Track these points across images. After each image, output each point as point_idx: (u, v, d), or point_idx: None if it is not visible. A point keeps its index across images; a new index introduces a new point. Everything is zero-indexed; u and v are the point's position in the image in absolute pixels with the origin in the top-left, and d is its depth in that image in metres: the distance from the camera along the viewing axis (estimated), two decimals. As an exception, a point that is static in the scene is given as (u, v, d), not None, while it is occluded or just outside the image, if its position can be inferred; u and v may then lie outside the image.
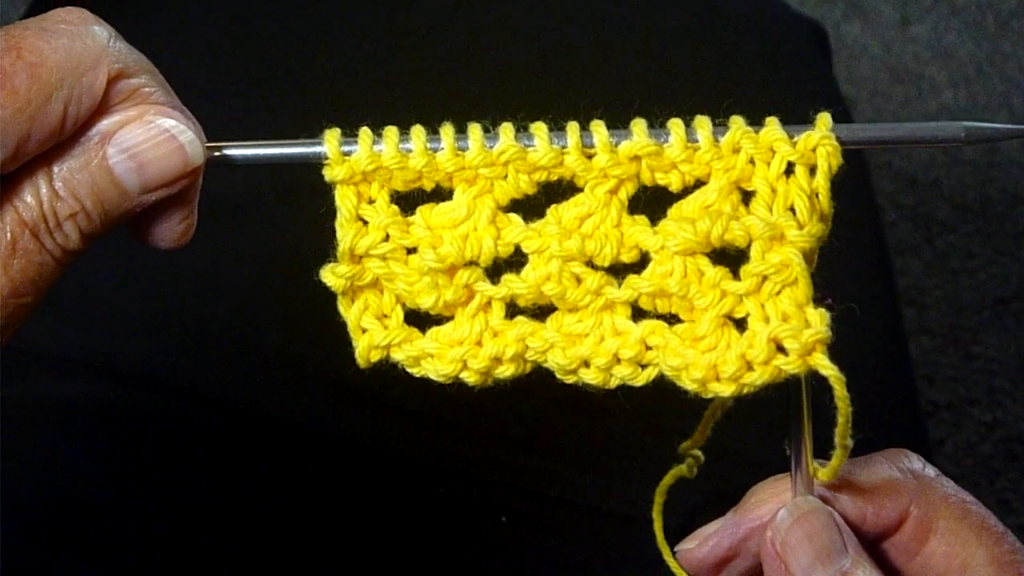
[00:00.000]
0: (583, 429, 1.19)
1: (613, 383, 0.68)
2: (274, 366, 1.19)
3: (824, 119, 0.66)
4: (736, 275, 0.67)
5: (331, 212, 0.69)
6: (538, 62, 1.37)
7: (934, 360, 2.26)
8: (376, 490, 1.15)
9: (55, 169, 0.62)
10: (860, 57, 2.53)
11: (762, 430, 1.05)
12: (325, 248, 0.70)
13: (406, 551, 1.12)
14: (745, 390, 0.66)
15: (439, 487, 1.15)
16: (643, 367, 0.68)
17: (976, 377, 2.24)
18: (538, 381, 1.15)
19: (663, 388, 1.13)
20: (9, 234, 0.61)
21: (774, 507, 0.69)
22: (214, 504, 1.12)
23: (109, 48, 0.62)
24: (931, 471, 0.70)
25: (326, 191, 0.70)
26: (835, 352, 0.66)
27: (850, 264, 0.68)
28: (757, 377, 0.65)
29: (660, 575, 0.85)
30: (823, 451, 0.70)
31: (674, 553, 0.82)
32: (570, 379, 0.69)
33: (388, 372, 1.14)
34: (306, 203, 1.21)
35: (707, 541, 0.72)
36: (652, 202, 0.68)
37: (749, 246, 0.66)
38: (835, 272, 0.67)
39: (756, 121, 0.68)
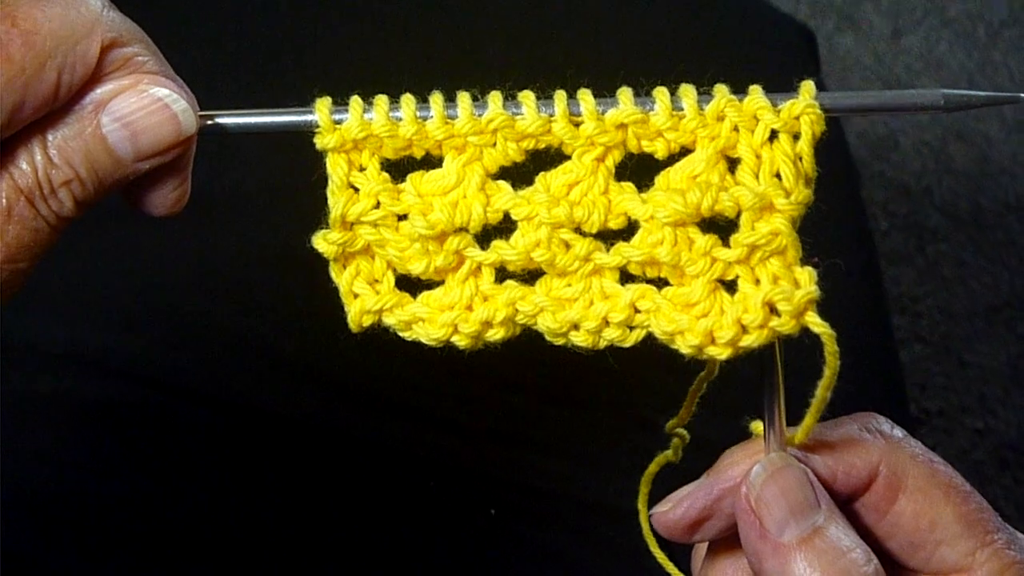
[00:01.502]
0: (571, 423, 1.20)
1: (602, 345, 0.69)
2: (265, 361, 1.20)
3: (808, 87, 0.67)
4: (724, 239, 0.68)
5: (316, 198, 0.70)
6: (522, 61, 1.39)
7: (926, 368, 2.26)
8: (366, 483, 1.15)
9: (49, 137, 0.63)
10: (852, 69, 2.54)
11: (743, 421, 1.06)
12: (308, 240, 0.70)
13: (397, 543, 1.12)
14: (740, 352, 0.67)
15: (429, 480, 1.16)
16: (631, 328, 0.69)
17: (968, 385, 2.24)
18: (524, 375, 1.16)
19: (645, 380, 1.14)
20: (4, 200, 0.62)
21: (747, 468, 0.70)
22: (205, 497, 1.12)
23: (103, 17, 0.63)
24: (899, 432, 0.72)
25: (317, 182, 0.70)
26: (800, 348, 0.68)
27: (839, 271, 0.69)
28: (753, 340, 0.67)
29: (648, 565, 0.85)
30: (796, 416, 0.71)
31: (662, 544, 0.82)
32: (559, 341, 0.69)
33: (376, 366, 1.15)
34: (297, 197, 1.22)
35: (681, 503, 0.72)
36: (638, 168, 0.69)
37: (738, 214, 0.67)
38: (824, 279, 0.68)
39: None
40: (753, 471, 0.69)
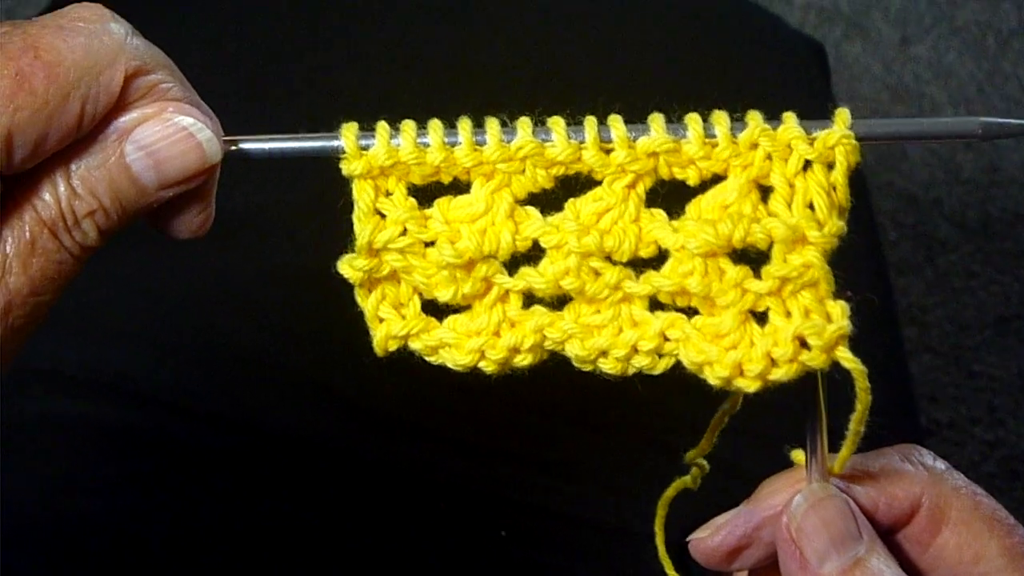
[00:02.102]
0: (584, 444, 1.19)
1: (631, 372, 0.68)
2: (277, 383, 1.19)
3: (843, 115, 0.66)
4: (756, 270, 0.67)
5: (332, 219, 0.69)
6: (539, 76, 1.38)
7: (936, 379, 2.26)
8: (377, 504, 1.14)
9: (73, 167, 0.62)
10: (860, 77, 2.54)
11: (763, 445, 1.05)
12: (327, 262, 0.69)
13: (407, 565, 1.11)
14: (769, 385, 0.66)
15: (439, 501, 1.15)
16: (660, 356, 0.68)
17: (978, 396, 2.24)
18: (539, 395, 1.16)
19: (663, 404, 1.14)
20: (28, 233, 0.61)
21: (787, 496, 0.70)
22: (215, 521, 1.12)
23: (127, 45, 0.62)
24: (941, 464, 0.71)
25: (331, 203, 0.69)
26: (837, 375, 0.67)
27: (848, 283, 0.68)
28: (783, 374, 0.66)
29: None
30: (830, 448, 0.70)
31: (678, 567, 0.81)
32: (587, 368, 0.69)
33: (389, 387, 1.15)
34: (308, 218, 1.21)
35: (720, 530, 0.72)
36: (669, 194, 0.68)
37: (770, 246, 0.66)
38: (834, 291, 0.67)
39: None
40: (795, 501, 0.68)
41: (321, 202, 0.69)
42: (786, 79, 1.48)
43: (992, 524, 0.68)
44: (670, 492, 0.86)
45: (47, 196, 0.62)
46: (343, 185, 0.69)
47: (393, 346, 0.69)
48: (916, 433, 1.46)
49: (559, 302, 0.69)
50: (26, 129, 0.59)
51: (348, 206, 0.69)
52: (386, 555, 1.11)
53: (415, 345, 0.69)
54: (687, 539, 0.74)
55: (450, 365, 0.69)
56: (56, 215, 0.62)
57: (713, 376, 0.67)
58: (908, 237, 2.38)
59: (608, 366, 0.68)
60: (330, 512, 1.13)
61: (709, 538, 0.72)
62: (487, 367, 0.69)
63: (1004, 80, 2.53)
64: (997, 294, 2.33)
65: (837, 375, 0.67)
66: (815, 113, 0.68)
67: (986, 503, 0.69)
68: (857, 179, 1.54)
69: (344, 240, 0.69)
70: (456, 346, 0.68)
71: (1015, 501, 2.15)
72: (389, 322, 0.69)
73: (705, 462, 0.85)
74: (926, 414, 2.21)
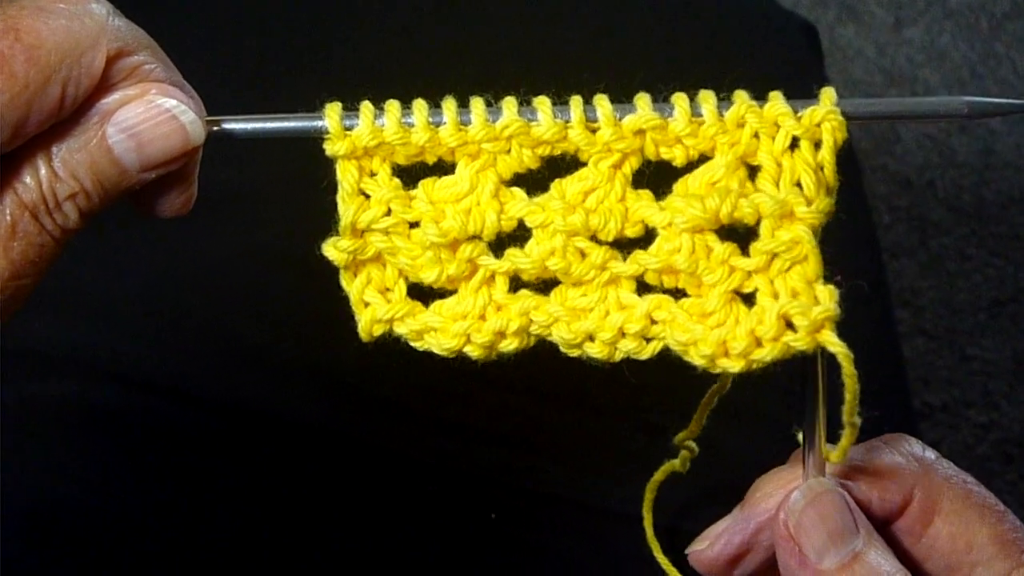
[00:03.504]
0: (573, 426, 1.19)
1: (618, 356, 0.68)
2: (264, 364, 1.19)
3: (828, 93, 0.66)
4: (744, 250, 0.66)
5: (321, 199, 0.69)
6: (527, 58, 1.37)
7: (930, 362, 2.25)
8: (366, 487, 1.14)
9: (54, 149, 0.62)
10: (854, 60, 2.53)
11: (749, 426, 1.05)
12: (313, 243, 0.69)
13: (395, 548, 1.11)
14: (754, 366, 0.66)
15: (428, 484, 1.15)
16: (648, 340, 0.67)
17: (972, 379, 2.24)
18: (527, 377, 1.15)
19: (652, 385, 1.13)
20: (9, 216, 0.61)
21: (781, 499, 0.69)
22: (205, 501, 1.11)
23: (108, 26, 0.61)
24: (931, 454, 0.71)
25: (316, 180, 0.69)
26: (827, 356, 0.66)
27: (841, 265, 0.68)
28: (766, 353, 0.65)
29: (650, 570, 0.84)
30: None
31: (667, 549, 0.81)
32: (574, 352, 0.68)
33: (378, 368, 1.14)
34: (293, 198, 1.20)
35: (718, 540, 0.72)
36: (655, 176, 0.68)
37: (757, 223, 0.66)
38: (826, 273, 0.67)
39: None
40: (792, 497, 0.68)
41: (310, 180, 0.69)
42: (779, 60, 1.47)
43: (983, 512, 0.68)
44: (659, 476, 0.86)
45: (28, 179, 0.61)
46: (328, 164, 0.68)
47: (378, 330, 0.69)
48: (909, 417, 1.45)
49: (546, 287, 0.69)
50: (6, 113, 0.58)
51: (332, 186, 0.68)
52: (376, 537, 1.11)
53: (400, 329, 0.68)
54: (686, 551, 0.74)
55: (435, 350, 0.68)
56: (37, 198, 0.61)
57: (697, 355, 0.66)
58: (902, 220, 2.37)
59: (595, 350, 0.68)
60: (318, 494, 1.13)
61: (708, 549, 0.72)
62: (473, 351, 0.68)
63: (997, 63, 2.53)
64: (991, 277, 2.33)
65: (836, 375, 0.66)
66: (808, 94, 0.68)
67: (976, 492, 0.69)
68: (850, 162, 1.55)
69: (329, 220, 0.68)
70: (442, 330, 0.68)
71: (1008, 484, 2.15)
72: (374, 306, 0.68)
73: (694, 444, 0.85)
74: (919, 397, 2.20)
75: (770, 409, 1.09)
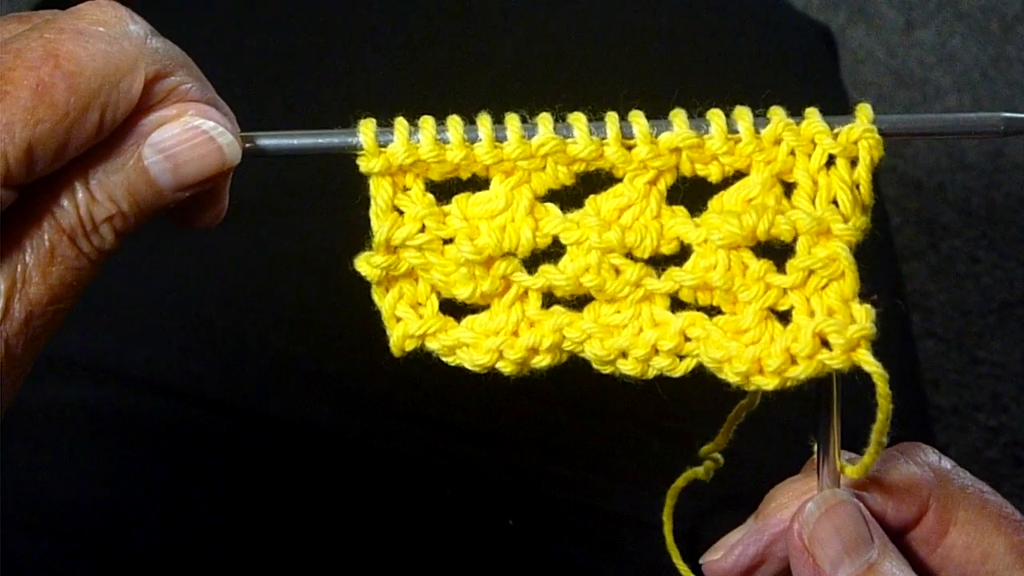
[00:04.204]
0: (591, 432, 1.19)
1: (651, 374, 0.68)
2: (280, 369, 1.18)
3: (864, 110, 0.66)
4: (779, 267, 0.66)
5: (342, 207, 0.68)
6: (543, 64, 1.37)
7: (939, 365, 2.25)
8: (383, 492, 1.14)
9: (91, 172, 0.61)
10: (864, 61, 2.53)
11: (769, 434, 1.05)
12: (334, 250, 0.69)
13: (413, 553, 1.11)
14: (788, 383, 0.66)
15: (446, 489, 1.15)
16: (681, 358, 0.67)
17: (981, 382, 2.24)
18: (545, 383, 1.15)
19: (672, 392, 1.13)
20: (48, 242, 0.61)
21: (795, 510, 0.69)
22: (219, 507, 1.12)
23: (146, 49, 0.61)
24: (947, 463, 0.71)
25: (337, 188, 0.69)
26: (849, 374, 0.66)
27: (859, 269, 0.68)
28: (801, 372, 0.65)
29: (668, 578, 0.85)
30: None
31: (685, 556, 0.81)
32: (607, 369, 0.68)
33: (395, 374, 1.14)
34: (313, 204, 1.20)
35: (732, 550, 0.71)
36: (690, 191, 0.68)
37: (794, 240, 0.66)
38: (863, 291, 0.66)
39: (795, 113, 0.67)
40: (807, 508, 0.68)
41: (331, 188, 0.69)
42: (795, 63, 1.47)
43: (999, 522, 0.68)
44: (680, 482, 0.86)
45: (65, 203, 0.61)
46: (352, 173, 0.68)
47: (410, 346, 0.68)
48: (925, 422, 1.45)
49: (579, 303, 0.69)
50: (47, 141, 0.58)
51: (353, 191, 0.68)
52: (391, 542, 1.11)
53: (432, 345, 0.68)
54: (700, 561, 0.74)
55: (468, 365, 0.68)
56: (75, 222, 0.61)
57: (732, 372, 0.66)
58: (912, 223, 2.37)
59: (628, 367, 0.68)
60: (334, 500, 1.13)
61: (722, 560, 0.71)
62: (505, 367, 0.68)
63: (1008, 65, 2.52)
64: (1001, 280, 2.33)
65: (858, 378, 0.66)
66: (826, 96, 0.68)
67: (993, 501, 0.69)
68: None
69: (351, 227, 0.68)
70: (474, 346, 0.68)
71: (1018, 488, 2.15)
72: (406, 321, 0.68)
73: (720, 456, 0.85)
74: (930, 400, 2.20)
75: (791, 418, 1.09)
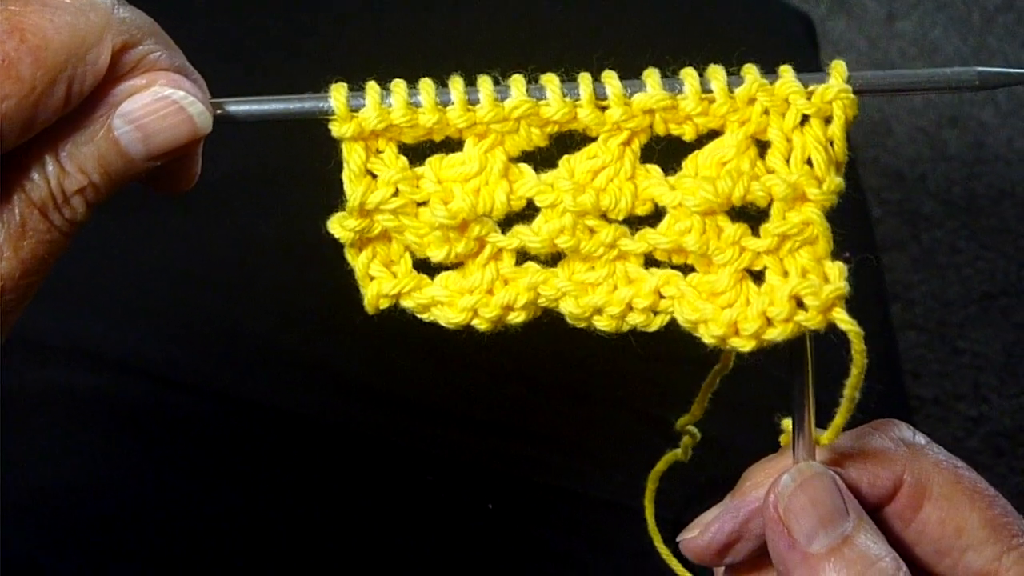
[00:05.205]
0: (571, 416, 1.19)
1: (625, 328, 0.67)
2: (262, 354, 1.18)
3: (839, 68, 0.66)
4: (753, 227, 0.66)
5: (323, 188, 0.68)
6: (520, 42, 1.37)
7: (920, 355, 2.26)
8: (363, 476, 1.14)
9: (60, 144, 0.61)
10: (846, 53, 2.53)
11: (750, 419, 1.04)
12: (316, 233, 0.68)
13: (393, 537, 1.11)
14: (764, 345, 0.65)
15: (426, 473, 1.14)
16: (656, 313, 0.67)
17: (962, 372, 2.24)
18: (527, 367, 1.15)
19: (651, 375, 1.13)
20: (18, 216, 0.60)
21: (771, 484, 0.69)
22: (199, 490, 1.11)
23: (113, 18, 0.60)
24: (921, 439, 0.71)
25: (318, 168, 0.68)
26: (824, 350, 0.66)
27: (833, 232, 0.67)
28: (778, 334, 0.65)
29: (649, 563, 0.84)
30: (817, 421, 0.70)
31: (668, 542, 0.81)
32: (582, 324, 0.67)
33: (377, 359, 1.14)
34: (295, 183, 1.20)
35: (708, 528, 0.71)
36: (664, 149, 0.68)
37: (768, 204, 0.66)
38: (834, 250, 0.66)
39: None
40: (782, 480, 0.68)
41: (311, 169, 0.68)
42: (775, 51, 1.47)
43: (973, 496, 0.68)
44: (660, 466, 0.86)
45: (36, 176, 0.60)
46: (330, 145, 0.67)
47: (384, 304, 0.68)
48: (904, 411, 1.46)
49: (553, 259, 0.68)
50: (13, 116, 0.57)
51: (337, 166, 0.67)
52: (374, 526, 1.11)
53: (407, 303, 0.68)
54: (677, 539, 0.74)
55: (442, 323, 0.67)
56: (46, 195, 0.61)
57: (708, 335, 0.66)
58: (893, 214, 2.38)
59: (603, 324, 0.67)
60: (315, 484, 1.13)
61: (699, 537, 0.71)
62: (480, 325, 0.67)
63: (990, 56, 2.54)
64: (982, 270, 2.33)
65: (834, 338, 0.66)
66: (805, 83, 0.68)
67: (967, 476, 0.69)
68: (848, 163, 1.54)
69: (331, 205, 0.68)
70: (449, 304, 0.67)
71: (999, 477, 2.15)
72: (380, 280, 0.67)
73: (696, 430, 0.85)
74: (910, 390, 2.21)
75: (771, 403, 1.09)
